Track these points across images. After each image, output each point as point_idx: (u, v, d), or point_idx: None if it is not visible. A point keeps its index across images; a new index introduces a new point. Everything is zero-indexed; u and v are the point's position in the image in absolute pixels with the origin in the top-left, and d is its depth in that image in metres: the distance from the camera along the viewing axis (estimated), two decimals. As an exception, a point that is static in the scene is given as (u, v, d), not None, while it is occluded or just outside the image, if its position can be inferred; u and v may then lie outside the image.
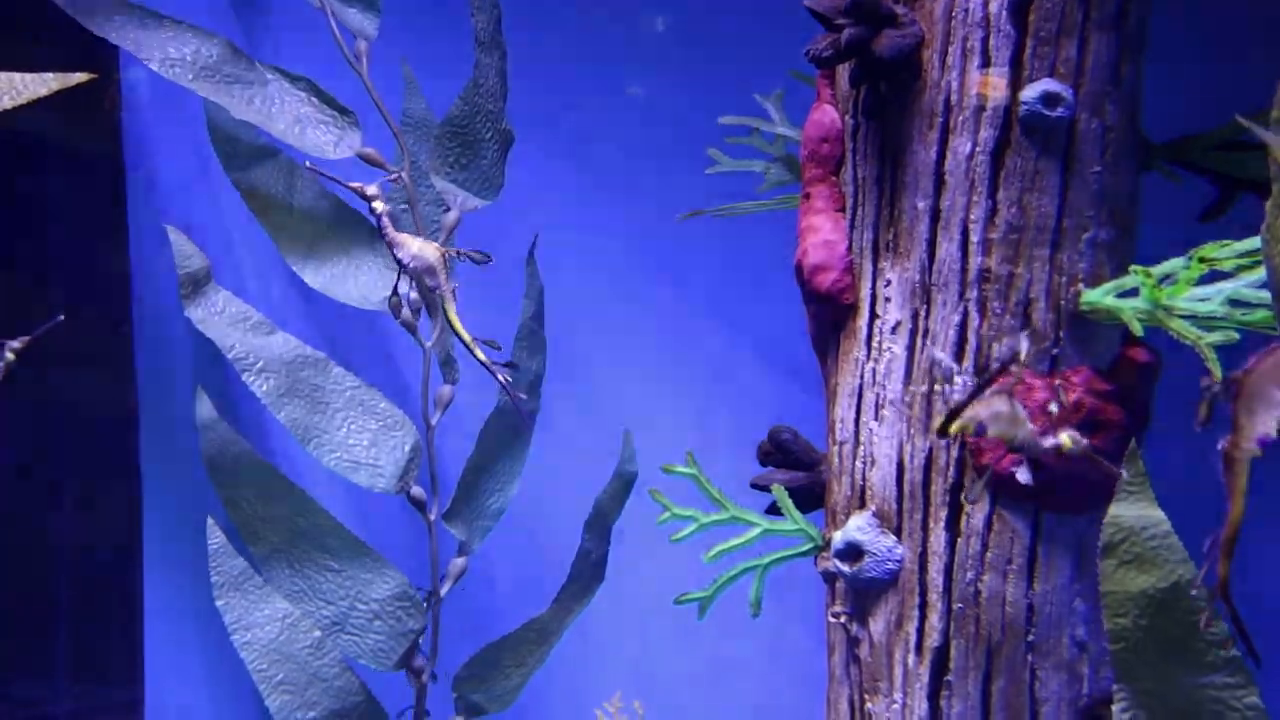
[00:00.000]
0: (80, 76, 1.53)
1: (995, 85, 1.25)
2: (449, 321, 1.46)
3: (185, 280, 1.69)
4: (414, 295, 1.64)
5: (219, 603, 1.68)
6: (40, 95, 1.51)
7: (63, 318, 1.57)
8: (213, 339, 1.67)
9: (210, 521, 1.69)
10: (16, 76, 1.50)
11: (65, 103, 1.84)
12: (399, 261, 1.43)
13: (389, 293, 1.74)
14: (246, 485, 1.71)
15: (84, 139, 1.88)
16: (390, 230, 1.44)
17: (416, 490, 1.74)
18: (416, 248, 1.43)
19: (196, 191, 1.89)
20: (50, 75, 1.51)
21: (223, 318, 1.71)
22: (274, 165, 1.76)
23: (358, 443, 1.70)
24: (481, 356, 1.45)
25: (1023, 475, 1.18)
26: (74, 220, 1.86)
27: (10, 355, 1.54)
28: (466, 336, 1.44)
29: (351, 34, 1.73)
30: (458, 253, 1.44)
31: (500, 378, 1.45)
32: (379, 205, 1.43)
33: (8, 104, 1.49)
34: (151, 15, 1.65)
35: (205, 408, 1.71)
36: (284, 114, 1.67)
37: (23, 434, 1.88)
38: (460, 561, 1.79)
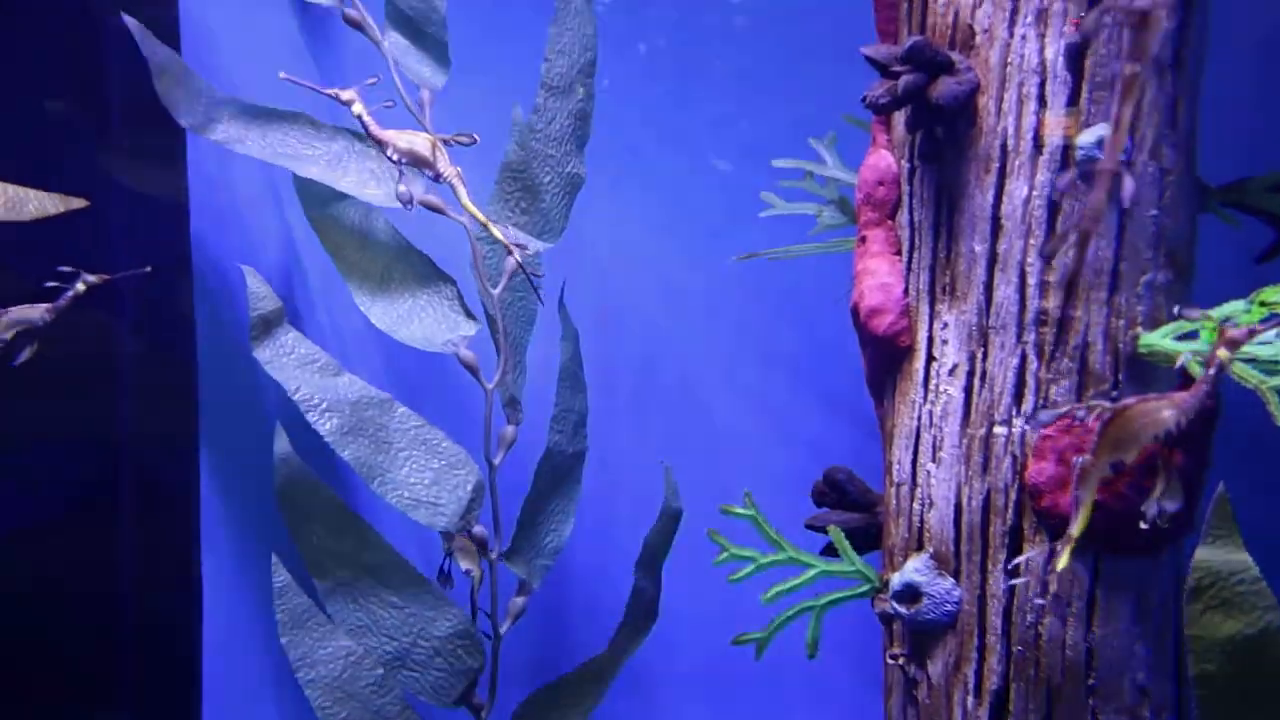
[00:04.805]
0: (79, 202, 1.60)
1: (1066, 126, 1.25)
2: (462, 204, 1.45)
3: (257, 322, 1.72)
4: (403, 188, 1.57)
5: (284, 640, 1.70)
6: (48, 214, 1.57)
7: (149, 269, 1.62)
8: (279, 380, 1.70)
9: (275, 559, 1.72)
10: (30, 193, 1.56)
11: (133, 143, 1.89)
12: (390, 159, 1.42)
13: (452, 338, 1.76)
14: (316, 519, 1.73)
15: (150, 178, 1.92)
16: (374, 129, 1.41)
17: (479, 529, 1.76)
18: (405, 142, 1.42)
19: (256, 229, 1.93)
20: (57, 196, 1.59)
21: (291, 359, 1.73)
22: (350, 204, 1.79)
23: (419, 481, 1.72)
24: (498, 233, 1.45)
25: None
26: (140, 257, 1.89)
27: (81, 286, 1.56)
28: (481, 216, 1.44)
29: (415, 85, 1.77)
30: (446, 139, 1.44)
31: (517, 256, 1.48)
32: (357, 108, 1.42)
33: (4, 217, 1.55)
34: (236, 107, 1.72)
35: (282, 442, 1.74)
36: (350, 171, 1.71)
37: (84, 467, 1.91)
38: (520, 600, 1.81)
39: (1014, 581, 1.26)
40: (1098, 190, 1.11)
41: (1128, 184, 1.09)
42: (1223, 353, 1.07)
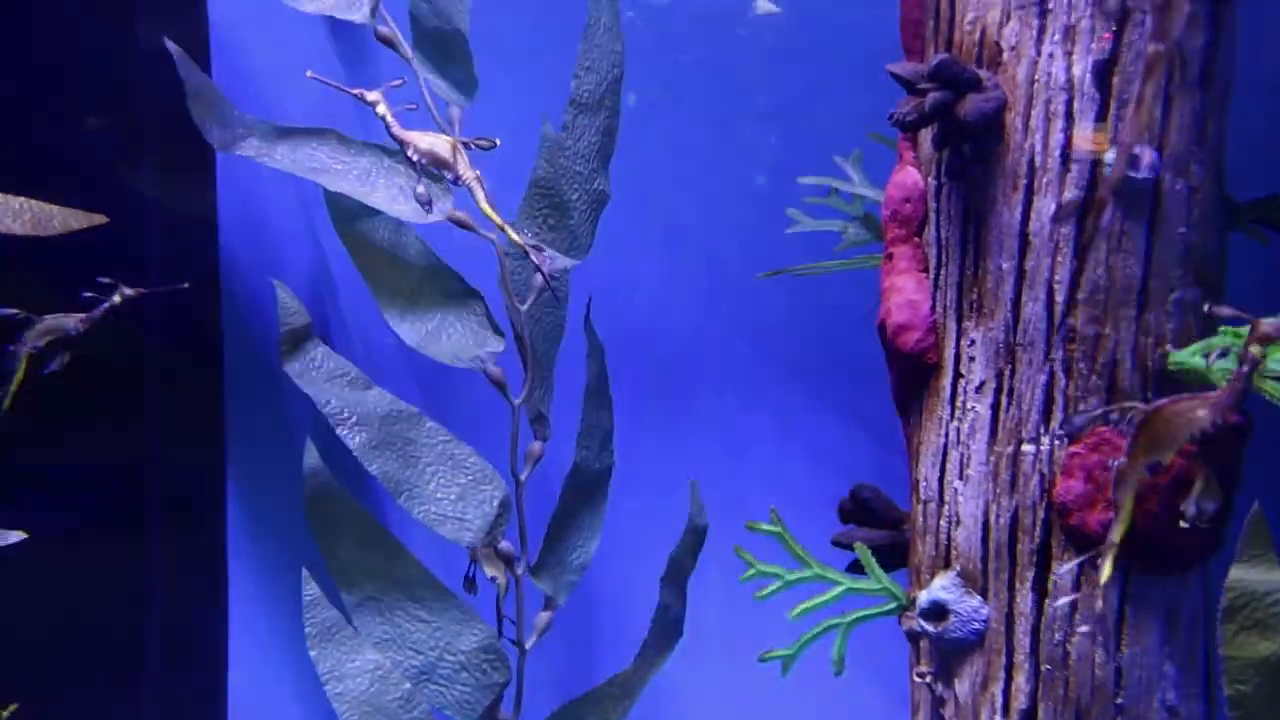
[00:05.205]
0: (99, 218, 1.61)
1: (1095, 142, 1.25)
2: (480, 207, 1.46)
3: (286, 337, 1.73)
4: (421, 189, 1.57)
5: (313, 653, 1.70)
6: (71, 229, 1.59)
7: (187, 285, 1.63)
8: (309, 394, 1.71)
9: (305, 573, 1.73)
10: (54, 209, 1.58)
11: (163, 157, 1.91)
12: (410, 160, 1.44)
13: (480, 355, 1.77)
14: (345, 533, 1.74)
15: (180, 192, 1.94)
16: (397, 129, 1.42)
17: (505, 545, 1.76)
18: (427, 143, 1.43)
19: (285, 244, 1.94)
20: (80, 212, 1.60)
21: (320, 373, 1.74)
22: (380, 221, 1.80)
23: (445, 496, 1.73)
24: (516, 237, 1.46)
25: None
26: (170, 271, 1.91)
27: (118, 298, 1.57)
28: (498, 219, 1.45)
29: (445, 101, 1.78)
30: (466, 142, 1.45)
31: (535, 258, 1.49)
32: (381, 108, 1.43)
33: (31, 231, 1.56)
34: (268, 129, 1.73)
35: (312, 456, 1.74)
36: (380, 186, 1.72)
37: (112, 480, 1.92)
38: (545, 615, 1.81)
39: (1060, 601, 1.26)
40: (1117, 163, 1.12)
41: (1145, 156, 1.10)
42: (1255, 348, 1.06)
